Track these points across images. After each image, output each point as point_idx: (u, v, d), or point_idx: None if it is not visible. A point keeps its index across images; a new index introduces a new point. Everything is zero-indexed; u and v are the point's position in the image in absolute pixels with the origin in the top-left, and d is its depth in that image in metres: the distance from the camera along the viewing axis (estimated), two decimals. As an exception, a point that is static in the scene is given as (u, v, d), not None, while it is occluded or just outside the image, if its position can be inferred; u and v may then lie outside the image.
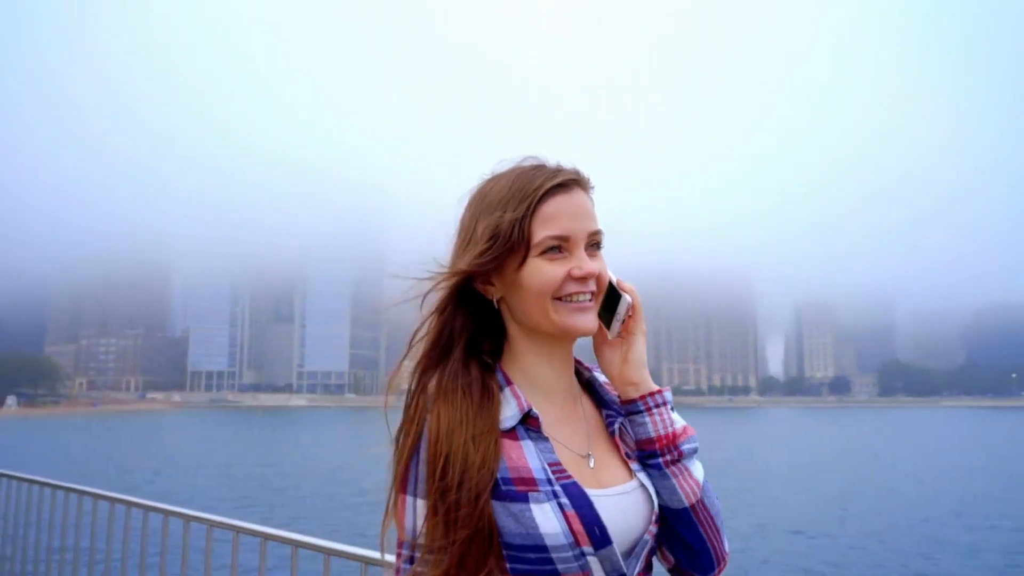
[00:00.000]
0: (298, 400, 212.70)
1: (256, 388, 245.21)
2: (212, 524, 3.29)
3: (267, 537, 3.03)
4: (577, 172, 1.10)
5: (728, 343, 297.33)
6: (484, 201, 1.11)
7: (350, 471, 33.93)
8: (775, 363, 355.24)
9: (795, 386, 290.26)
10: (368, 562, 2.60)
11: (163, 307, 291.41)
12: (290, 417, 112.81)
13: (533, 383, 1.12)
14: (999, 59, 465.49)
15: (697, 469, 1.13)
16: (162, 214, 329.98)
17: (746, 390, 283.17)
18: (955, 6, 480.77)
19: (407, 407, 1.15)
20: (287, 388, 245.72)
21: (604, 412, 1.17)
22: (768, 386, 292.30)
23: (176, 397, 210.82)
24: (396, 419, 1.07)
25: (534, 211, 1.06)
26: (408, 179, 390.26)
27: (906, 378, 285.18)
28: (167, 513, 3.49)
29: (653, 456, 1.11)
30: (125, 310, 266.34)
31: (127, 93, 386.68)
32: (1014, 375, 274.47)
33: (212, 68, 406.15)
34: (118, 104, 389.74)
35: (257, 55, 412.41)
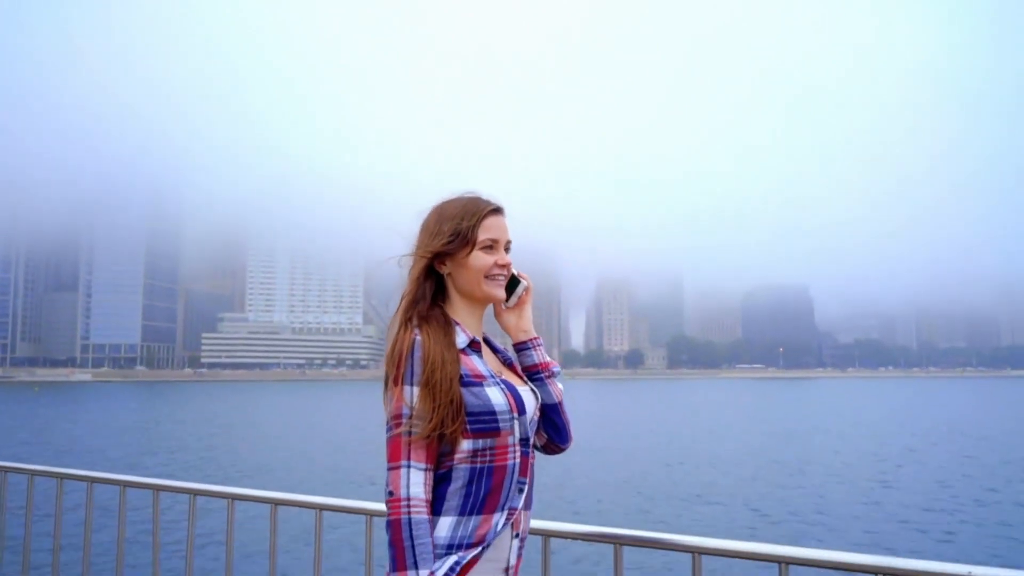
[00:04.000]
0: (82, 375, 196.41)
1: (32, 362, 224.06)
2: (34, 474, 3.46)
3: (92, 480, 3.23)
4: (500, 203, 1.85)
5: (533, 318, 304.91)
6: (444, 212, 1.81)
7: (133, 447, 32.98)
8: (577, 337, 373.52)
9: (594, 359, 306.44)
10: (197, 493, 2.94)
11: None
12: (72, 393, 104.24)
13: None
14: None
15: (560, 383, 1.92)
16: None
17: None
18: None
19: (399, 330, 1.74)
20: (69, 362, 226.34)
21: (497, 355, 1.91)
22: (570, 359, 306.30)
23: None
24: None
25: (479, 222, 1.79)
26: (206, 139, 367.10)
27: (691, 351, 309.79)
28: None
29: (537, 374, 1.89)
30: None
31: None
32: (781, 349, 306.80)
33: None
34: None
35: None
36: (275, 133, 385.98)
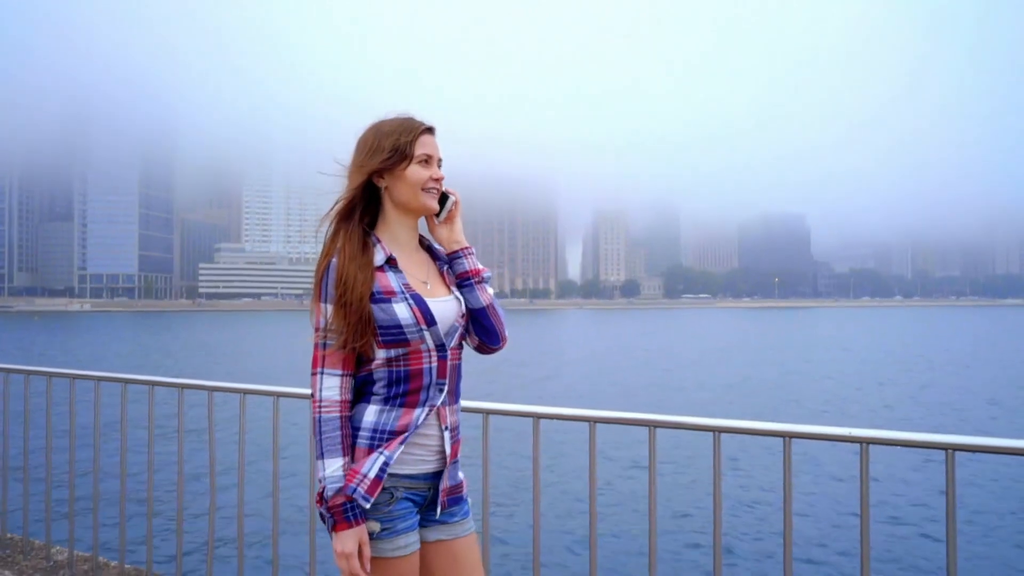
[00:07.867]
0: (81, 305, 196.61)
1: (30, 292, 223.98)
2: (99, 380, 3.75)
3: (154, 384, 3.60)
4: (432, 124, 1.98)
5: (531, 248, 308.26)
6: (382, 130, 1.94)
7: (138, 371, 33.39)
8: (574, 267, 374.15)
9: (590, 289, 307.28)
10: (246, 393, 3.30)
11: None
12: (72, 322, 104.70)
13: (396, 241, 1.97)
14: None
15: (490, 288, 2.06)
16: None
17: (546, 293, 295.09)
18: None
19: (325, 246, 1.92)
20: (67, 292, 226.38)
21: (437, 262, 2.05)
22: (566, 289, 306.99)
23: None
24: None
25: (416, 139, 1.92)
26: (201, 74, 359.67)
27: (688, 281, 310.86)
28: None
29: (467, 280, 2.02)
30: None
31: None
32: (776, 279, 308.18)
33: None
34: None
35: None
36: (271, 59, 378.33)
